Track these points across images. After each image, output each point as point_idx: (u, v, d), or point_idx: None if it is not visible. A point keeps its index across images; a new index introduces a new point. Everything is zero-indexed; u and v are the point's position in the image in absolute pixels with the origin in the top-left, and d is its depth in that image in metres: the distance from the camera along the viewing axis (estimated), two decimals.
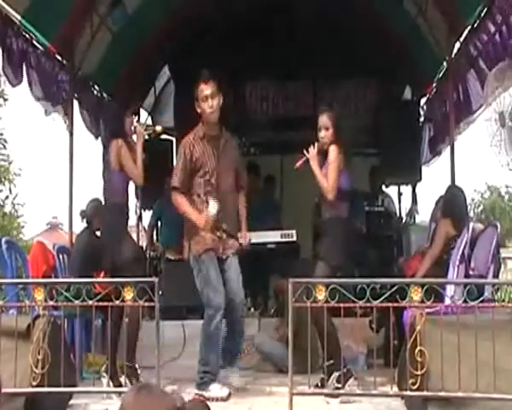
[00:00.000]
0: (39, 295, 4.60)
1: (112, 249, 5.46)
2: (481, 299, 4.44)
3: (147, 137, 5.72)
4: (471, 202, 28.62)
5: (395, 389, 4.55)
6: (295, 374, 4.59)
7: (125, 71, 8.47)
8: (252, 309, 7.27)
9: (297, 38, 9.09)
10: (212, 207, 5.29)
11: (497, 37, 5.78)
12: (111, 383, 5.14)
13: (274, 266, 7.26)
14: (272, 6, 8.77)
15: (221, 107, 5.44)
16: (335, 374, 5.04)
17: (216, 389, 5.21)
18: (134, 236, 8.70)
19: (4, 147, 16.28)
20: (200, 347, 5.37)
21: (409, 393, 4.40)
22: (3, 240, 6.00)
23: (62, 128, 7.48)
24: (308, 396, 4.83)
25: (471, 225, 5.51)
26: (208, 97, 5.38)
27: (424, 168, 9.12)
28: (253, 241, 5.81)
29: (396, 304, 4.49)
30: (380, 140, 9.07)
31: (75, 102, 7.56)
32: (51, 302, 4.65)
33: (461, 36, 6.82)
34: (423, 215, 8.94)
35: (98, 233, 6.43)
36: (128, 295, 4.62)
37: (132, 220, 8.23)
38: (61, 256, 6.67)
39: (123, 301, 4.67)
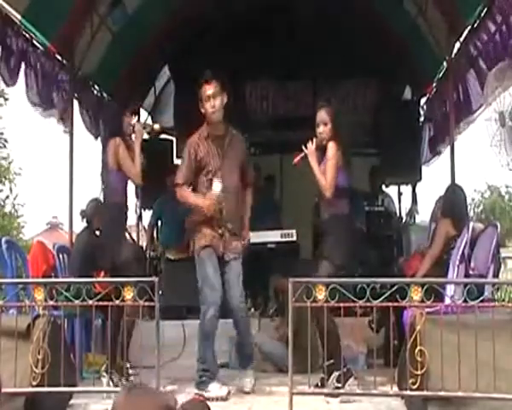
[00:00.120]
0: (39, 294, 4.60)
1: (111, 249, 5.46)
2: (481, 299, 4.44)
3: (146, 136, 5.72)
4: (471, 202, 28.61)
5: (395, 388, 4.55)
6: (295, 374, 4.59)
7: (125, 71, 8.48)
8: (252, 309, 7.27)
9: (297, 38, 9.09)
10: (216, 186, 5.33)
11: (497, 37, 5.79)
12: (111, 383, 5.14)
13: (274, 266, 7.27)
14: (272, 6, 8.77)
15: (224, 106, 5.45)
16: (335, 374, 5.04)
17: (215, 389, 5.21)
18: (134, 235, 8.72)
19: (4, 146, 16.28)
20: (198, 345, 5.41)
21: (409, 393, 4.40)
22: (3, 240, 6.00)
23: (62, 129, 7.48)
24: (308, 396, 4.83)
25: (471, 224, 5.51)
26: (210, 97, 5.40)
27: (424, 168, 9.13)
28: (253, 241, 5.81)
29: (396, 304, 4.49)
30: (380, 140, 9.07)
31: (75, 102, 7.57)
32: (51, 302, 4.65)
33: (461, 36, 6.82)
34: (423, 215, 8.96)
35: (98, 233, 6.43)
36: (128, 294, 4.62)
37: (132, 220, 8.25)
38: (60, 256, 6.67)
39: (123, 300, 4.67)
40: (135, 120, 5.68)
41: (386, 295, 4.50)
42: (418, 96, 9.31)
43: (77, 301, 4.63)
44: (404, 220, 9.15)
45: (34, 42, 6.61)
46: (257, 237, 6.39)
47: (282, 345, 5.99)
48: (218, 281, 5.36)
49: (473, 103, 6.76)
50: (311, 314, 4.61)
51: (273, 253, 7.46)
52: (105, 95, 8.42)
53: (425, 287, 4.40)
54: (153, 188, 8.77)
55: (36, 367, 4.42)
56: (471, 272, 5.23)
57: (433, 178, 9.87)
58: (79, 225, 7.10)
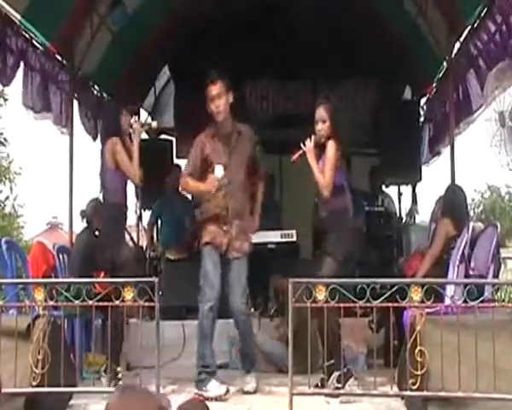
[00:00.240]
0: (39, 295, 4.60)
1: (110, 249, 5.46)
2: (481, 299, 4.44)
3: (146, 136, 5.72)
4: (471, 202, 28.60)
5: (395, 389, 4.55)
6: (295, 374, 4.59)
7: (125, 71, 8.48)
8: (252, 309, 7.26)
9: (297, 38, 9.09)
10: (218, 171, 5.35)
11: (497, 37, 5.79)
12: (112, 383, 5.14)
13: (274, 266, 7.26)
14: (272, 6, 8.77)
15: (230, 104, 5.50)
16: (335, 374, 5.04)
17: (213, 388, 5.22)
18: (134, 236, 8.70)
19: (4, 145, 16.27)
20: (197, 342, 5.45)
21: (409, 393, 4.40)
22: (3, 240, 6.00)
23: (60, 130, 7.46)
24: (308, 396, 4.83)
25: (471, 224, 5.50)
26: (215, 98, 5.44)
27: (424, 168, 9.13)
28: (253, 241, 5.81)
29: (396, 304, 4.49)
30: (380, 140, 9.07)
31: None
32: (51, 302, 4.65)
33: (461, 36, 6.82)
34: (423, 215, 8.95)
35: (98, 233, 6.43)
36: (128, 295, 4.62)
37: (132, 220, 8.24)
38: (61, 256, 6.66)
39: (123, 301, 4.67)
40: (134, 119, 5.65)
41: (386, 295, 4.49)
42: (418, 96, 9.31)
43: (77, 302, 4.63)
44: (404, 220, 9.15)
45: (34, 42, 6.61)
46: (257, 237, 6.37)
47: (283, 345, 5.99)
48: (217, 278, 5.38)
49: (473, 103, 6.76)
50: (312, 315, 4.60)
51: (273, 253, 7.46)
52: (105, 95, 8.41)
53: (425, 287, 4.40)
54: (153, 188, 8.77)
55: (36, 367, 4.42)
56: (471, 273, 5.23)
57: (433, 179, 9.89)
58: (79, 225, 7.11)
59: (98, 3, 7.36)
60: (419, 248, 6.87)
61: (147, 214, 9.16)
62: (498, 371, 4.12)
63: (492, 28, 5.88)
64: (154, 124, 6.31)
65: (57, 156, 9.23)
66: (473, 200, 29.24)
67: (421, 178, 9.13)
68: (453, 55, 7.13)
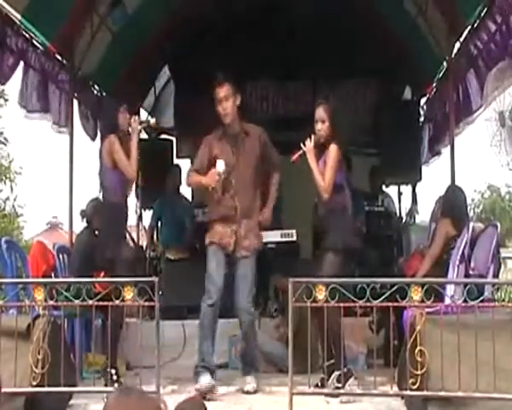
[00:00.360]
0: (39, 295, 4.60)
1: (108, 248, 5.46)
2: (481, 299, 4.44)
3: (146, 136, 5.73)
4: (471, 202, 28.59)
5: (395, 388, 4.55)
6: (295, 374, 4.59)
7: (125, 71, 8.47)
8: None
9: (297, 38, 9.09)
10: (219, 165, 5.40)
11: (497, 37, 5.79)
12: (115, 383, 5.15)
13: (274, 266, 7.26)
14: (272, 6, 8.76)
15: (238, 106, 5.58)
16: (336, 373, 5.04)
17: (204, 381, 5.22)
18: (134, 235, 8.70)
19: (5, 145, 16.25)
20: (198, 339, 5.48)
21: (409, 393, 4.40)
22: (3, 240, 6.00)
23: (59, 129, 7.46)
24: (308, 396, 4.83)
25: (471, 224, 5.50)
26: (222, 100, 5.52)
27: (424, 168, 9.12)
28: None
29: (396, 304, 4.49)
30: (380, 140, 9.07)
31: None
32: (51, 302, 4.65)
33: (461, 36, 6.82)
34: (423, 215, 8.95)
35: (97, 233, 6.43)
36: (128, 294, 4.62)
37: (132, 220, 8.24)
38: (61, 256, 6.66)
39: (123, 300, 4.67)
40: (133, 118, 5.65)
41: (386, 295, 4.49)
42: (418, 96, 9.30)
43: (77, 301, 4.63)
44: (404, 220, 9.14)
45: (34, 42, 6.61)
46: None
47: (283, 345, 6.00)
48: (220, 277, 5.41)
49: (473, 103, 6.75)
50: (312, 315, 4.60)
51: (273, 253, 7.46)
52: (105, 95, 8.40)
53: (425, 287, 4.40)
54: (153, 188, 8.78)
55: (36, 367, 4.42)
56: (471, 272, 5.23)
57: (433, 178, 9.88)
58: (79, 225, 7.11)
59: (98, 3, 7.36)
60: (419, 248, 6.87)
61: (147, 214, 9.18)
62: (498, 371, 4.12)
63: (492, 28, 5.87)
64: (153, 121, 6.33)
65: (57, 156, 9.21)
66: (473, 200, 29.22)
67: (421, 178, 9.13)
68: (453, 55, 7.12)
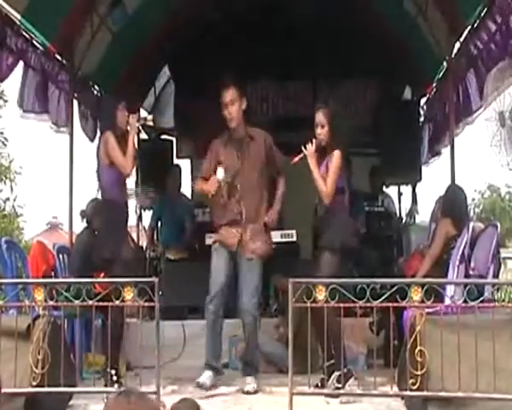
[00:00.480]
0: (39, 295, 4.60)
1: (107, 248, 5.46)
2: (481, 299, 4.44)
3: (146, 136, 5.72)
4: (471, 202, 28.58)
5: (395, 389, 4.55)
6: (295, 374, 4.59)
7: (125, 71, 8.47)
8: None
9: (297, 38, 9.09)
10: (219, 172, 5.46)
11: (497, 36, 5.78)
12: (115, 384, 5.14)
13: (274, 265, 7.26)
14: (272, 6, 8.76)
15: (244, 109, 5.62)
16: (336, 374, 5.04)
17: (201, 379, 5.31)
18: (134, 236, 8.71)
19: (5, 145, 16.22)
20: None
21: (409, 393, 4.40)
22: (3, 240, 5.99)
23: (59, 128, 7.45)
24: (308, 396, 4.83)
25: (471, 224, 5.50)
26: (228, 104, 5.56)
27: (424, 168, 9.12)
28: None
29: (396, 304, 4.49)
30: (380, 140, 9.06)
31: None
32: (51, 302, 4.65)
33: (461, 36, 6.81)
34: (423, 215, 8.95)
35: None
36: (128, 295, 4.62)
37: (132, 220, 8.24)
38: (61, 256, 6.66)
39: (123, 301, 4.66)
40: (131, 116, 5.64)
41: (386, 295, 4.49)
42: (418, 96, 9.30)
43: (77, 302, 4.63)
44: (404, 220, 9.15)
45: (34, 42, 6.61)
46: None
47: (282, 346, 6.00)
48: (222, 274, 5.46)
49: (473, 103, 6.75)
50: (312, 314, 4.60)
51: (273, 253, 7.45)
52: (104, 93, 8.40)
53: (425, 287, 4.40)
54: (153, 188, 8.78)
55: (36, 367, 4.42)
56: (471, 273, 5.23)
57: (433, 178, 9.88)
58: (79, 225, 7.11)
59: (98, 3, 7.35)
60: (419, 248, 6.88)
61: (147, 214, 9.18)
62: (498, 371, 4.13)
63: (492, 28, 5.87)
64: (150, 118, 6.33)
65: (57, 156, 9.21)
66: (473, 200, 29.20)
67: (421, 178, 9.12)
68: (453, 55, 7.12)
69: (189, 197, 9.48)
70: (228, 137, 5.68)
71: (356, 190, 7.12)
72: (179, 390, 5.38)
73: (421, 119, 9.12)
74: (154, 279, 4.71)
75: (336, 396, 4.93)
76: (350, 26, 8.92)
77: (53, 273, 6.42)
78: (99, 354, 5.92)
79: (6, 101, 15.17)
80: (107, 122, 5.67)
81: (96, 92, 8.24)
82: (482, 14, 6.14)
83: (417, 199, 9.22)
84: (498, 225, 5.47)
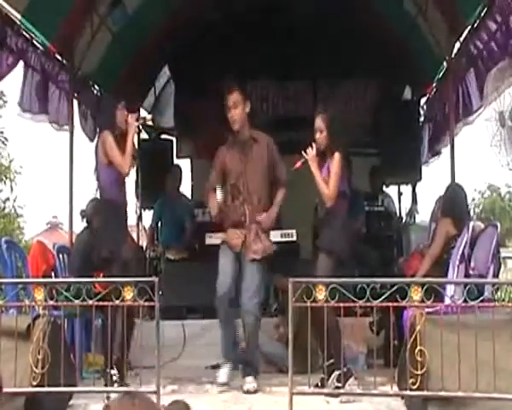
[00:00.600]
0: (39, 294, 4.60)
1: (106, 247, 5.46)
2: (481, 299, 4.44)
3: (145, 135, 5.72)
4: (471, 202, 28.58)
5: (395, 388, 4.55)
6: (295, 374, 4.59)
7: (125, 71, 8.47)
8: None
9: (297, 38, 9.09)
10: (218, 194, 5.51)
11: (497, 36, 5.79)
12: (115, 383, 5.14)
13: (274, 265, 7.25)
14: (272, 6, 8.76)
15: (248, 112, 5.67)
16: (336, 373, 5.04)
17: (221, 375, 5.41)
18: (134, 236, 8.70)
19: (5, 145, 16.21)
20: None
21: (409, 393, 4.40)
22: (3, 240, 6.00)
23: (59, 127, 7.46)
24: (308, 396, 4.83)
25: (471, 224, 5.50)
26: (231, 108, 5.60)
27: (424, 168, 9.12)
28: None
29: (396, 304, 4.49)
30: (380, 140, 9.07)
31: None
32: (51, 302, 4.64)
33: (461, 36, 6.82)
34: (423, 215, 8.96)
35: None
36: (128, 295, 4.62)
37: (132, 220, 8.23)
38: (60, 256, 6.66)
39: (123, 300, 4.66)
40: (130, 116, 5.64)
41: (386, 295, 4.49)
42: (418, 96, 9.31)
43: (77, 301, 4.62)
44: (404, 220, 9.15)
45: (34, 42, 6.61)
46: None
47: (282, 345, 6.00)
48: (228, 271, 5.52)
49: (473, 103, 6.75)
50: (312, 314, 4.60)
51: (273, 252, 7.45)
52: (104, 93, 8.40)
53: (425, 287, 4.40)
54: (153, 188, 8.78)
55: (36, 367, 4.42)
56: (471, 272, 5.23)
57: (433, 178, 9.88)
58: (79, 225, 7.11)
59: (98, 3, 7.36)
60: (419, 248, 6.88)
61: (147, 214, 9.18)
62: (498, 371, 4.12)
63: (492, 28, 5.88)
64: (149, 117, 6.33)
65: (57, 156, 9.21)
66: (473, 199, 29.19)
67: (421, 178, 9.13)
68: (453, 55, 7.12)
69: (189, 197, 9.49)
70: (232, 140, 5.73)
71: (356, 190, 7.12)
72: (179, 390, 5.39)
73: (421, 119, 9.13)
74: (154, 279, 4.71)
75: (336, 396, 4.93)
76: (350, 26, 8.93)
77: (53, 273, 6.43)
78: (99, 354, 5.92)
79: (5, 102, 15.17)
80: (107, 122, 5.66)
81: (95, 92, 8.24)
82: (482, 14, 6.14)
83: (417, 199, 9.23)
84: (498, 225, 5.46)
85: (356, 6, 8.53)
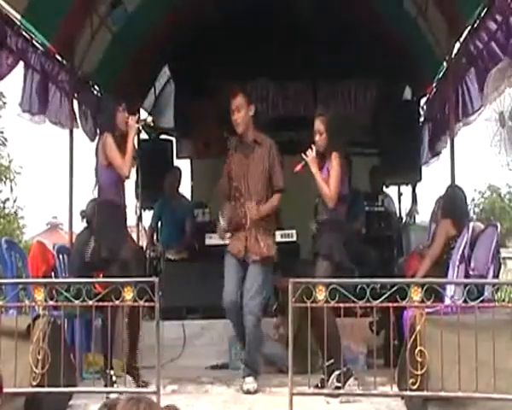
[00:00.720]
0: (39, 295, 4.60)
1: (105, 248, 5.45)
2: (481, 299, 4.44)
3: (145, 135, 5.72)
4: (471, 202, 28.57)
5: (395, 389, 4.55)
6: (295, 374, 4.59)
7: (125, 71, 8.46)
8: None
9: (297, 38, 9.09)
10: (220, 218, 5.69)
11: (497, 36, 5.79)
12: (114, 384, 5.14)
13: (274, 265, 7.26)
14: (272, 6, 8.76)
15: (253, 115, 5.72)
16: (335, 373, 5.04)
17: (248, 382, 5.38)
18: (134, 236, 8.70)
19: (5, 145, 16.21)
20: None
21: (409, 393, 4.40)
22: (3, 240, 5.99)
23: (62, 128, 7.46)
24: (308, 396, 4.83)
25: (471, 224, 5.51)
26: (234, 111, 5.66)
27: (424, 168, 9.12)
28: None
29: (396, 304, 4.49)
30: (380, 140, 9.08)
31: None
32: (51, 302, 4.65)
33: (461, 36, 6.81)
34: (423, 215, 8.96)
35: None
36: (128, 295, 4.62)
37: (132, 221, 8.23)
38: (61, 256, 6.66)
39: (123, 301, 4.66)
40: (130, 117, 5.64)
41: (386, 295, 4.49)
42: (418, 96, 9.31)
43: (77, 302, 4.62)
44: (404, 220, 9.15)
45: (34, 42, 6.61)
46: None
47: (282, 346, 5.99)
48: (233, 282, 5.54)
49: (473, 103, 6.75)
50: (311, 315, 4.60)
51: (276, 253, 7.45)
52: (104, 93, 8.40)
53: (425, 287, 4.40)
54: (153, 188, 8.78)
55: (36, 367, 4.42)
56: (471, 273, 5.24)
57: (433, 179, 9.89)
58: (79, 225, 7.11)
59: (98, 3, 7.35)
60: (418, 248, 6.88)
61: (147, 214, 9.18)
62: (498, 372, 4.12)
63: (492, 28, 5.88)
64: (149, 119, 6.33)
65: (57, 156, 9.21)
66: (473, 200, 29.20)
67: (421, 178, 9.13)
68: (453, 55, 7.12)
69: (189, 198, 9.49)
70: (237, 143, 5.79)
71: (356, 190, 7.12)
72: (179, 390, 5.39)
73: (421, 119, 9.13)
74: (154, 279, 4.71)
75: (336, 396, 4.93)
76: (350, 26, 8.93)
77: (53, 273, 6.42)
78: (99, 354, 5.92)
79: (5, 103, 15.17)
80: (107, 123, 5.66)
81: (96, 92, 8.24)
82: (482, 14, 6.14)
83: (417, 199, 9.23)
84: (498, 225, 5.46)
85: (356, 6, 8.53)
